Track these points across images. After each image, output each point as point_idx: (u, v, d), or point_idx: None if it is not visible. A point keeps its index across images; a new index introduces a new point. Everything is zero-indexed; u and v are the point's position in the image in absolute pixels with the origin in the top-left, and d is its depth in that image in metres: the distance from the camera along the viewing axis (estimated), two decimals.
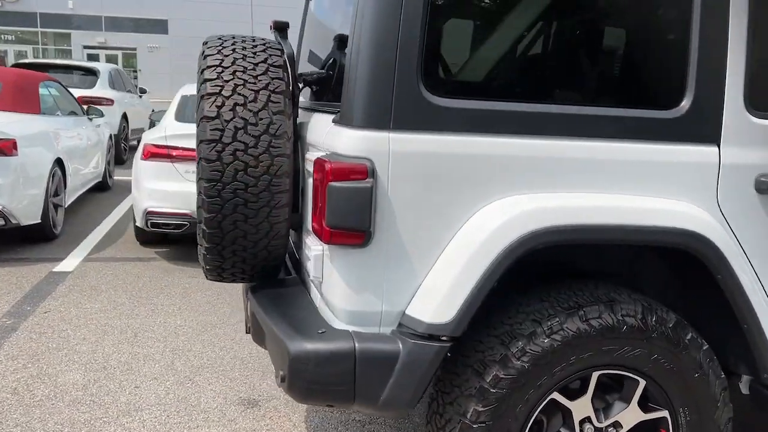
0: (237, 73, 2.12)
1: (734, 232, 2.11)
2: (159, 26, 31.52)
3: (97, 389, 3.23)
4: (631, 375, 2.05)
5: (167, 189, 5.23)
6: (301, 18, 3.30)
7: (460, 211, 1.95)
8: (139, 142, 5.81)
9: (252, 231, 2.14)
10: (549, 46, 2.19)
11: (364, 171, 1.86)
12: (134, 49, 31.82)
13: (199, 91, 2.15)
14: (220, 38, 2.28)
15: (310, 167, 2.20)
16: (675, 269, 2.35)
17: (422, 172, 1.91)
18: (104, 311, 4.30)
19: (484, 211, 1.95)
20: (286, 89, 2.17)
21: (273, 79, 2.15)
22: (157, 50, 31.41)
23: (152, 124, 7.41)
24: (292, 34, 2.68)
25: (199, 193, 2.15)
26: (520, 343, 1.94)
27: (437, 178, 1.92)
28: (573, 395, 2.06)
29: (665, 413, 2.09)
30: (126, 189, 7.98)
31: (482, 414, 1.94)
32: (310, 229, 2.11)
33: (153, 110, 10.75)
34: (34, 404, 3.06)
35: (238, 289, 4.84)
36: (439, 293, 1.91)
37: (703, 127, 2.07)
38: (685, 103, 2.05)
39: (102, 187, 8.28)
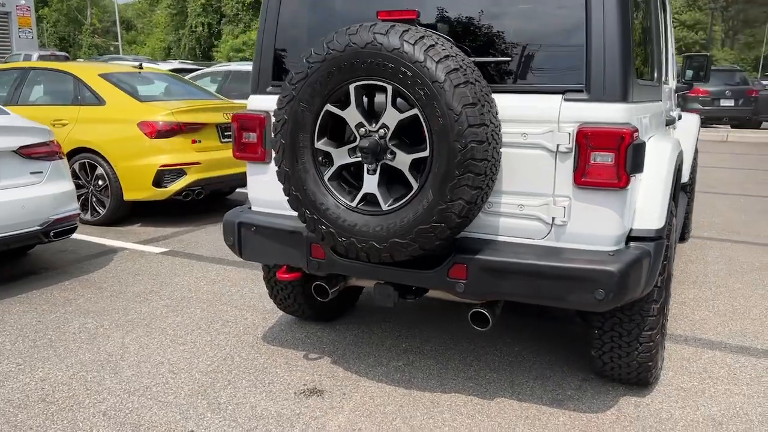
0: (465, 63, 2.55)
1: None
2: None
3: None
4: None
5: None
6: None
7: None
8: None
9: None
10: None
11: (636, 131, 2.61)
12: None
13: (434, 79, 2.46)
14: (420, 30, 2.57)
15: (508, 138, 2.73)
16: None
17: (643, 128, 2.83)
18: None
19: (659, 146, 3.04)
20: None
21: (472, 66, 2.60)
22: None
23: None
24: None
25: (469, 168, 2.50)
26: None
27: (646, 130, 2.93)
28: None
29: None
30: None
31: None
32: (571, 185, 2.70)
33: None
34: None
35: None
36: (655, 209, 2.84)
37: None
38: None
39: None
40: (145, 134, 6.27)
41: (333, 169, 2.81)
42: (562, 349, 3.67)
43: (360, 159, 2.72)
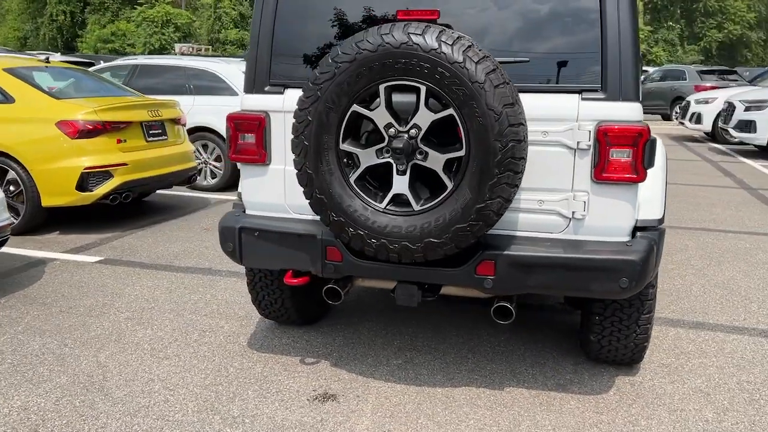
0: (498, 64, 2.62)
1: None
2: None
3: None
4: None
5: None
6: None
7: None
8: None
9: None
10: None
11: (649, 128, 2.77)
12: None
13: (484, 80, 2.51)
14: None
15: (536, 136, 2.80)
16: None
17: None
18: None
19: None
20: None
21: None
22: None
23: None
24: None
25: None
26: None
27: None
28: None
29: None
30: None
31: None
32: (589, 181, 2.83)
33: None
34: None
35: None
36: (657, 201, 3.06)
37: None
38: None
39: None
40: (66, 134, 5.80)
41: (359, 170, 2.77)
42: (547, 337, 3.84)
43: (388, 160, 2.71)
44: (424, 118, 2.63)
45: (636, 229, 2.94)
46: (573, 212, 2.84)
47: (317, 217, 3.06)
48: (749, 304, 4.47)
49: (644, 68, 5.35)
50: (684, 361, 3.57)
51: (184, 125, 7.15)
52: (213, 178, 8.24)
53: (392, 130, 2.67)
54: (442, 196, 2.66)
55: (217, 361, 3.50)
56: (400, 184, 2.72)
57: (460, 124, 2.58)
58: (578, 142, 2.77)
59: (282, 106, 3.11)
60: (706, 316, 4.23)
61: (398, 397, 3.15)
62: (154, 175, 6.39)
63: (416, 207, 2.70)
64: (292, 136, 2.79)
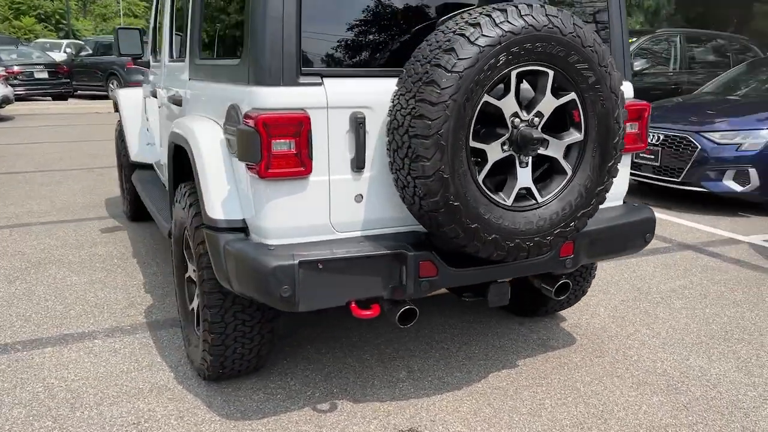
0: None
1: None
2: None
3: None
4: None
5: None
6: None
7: None
8: None
9: None
10: None
11: None
12: None
13: None
14: None
15: None
16: None
17: None
18: None
19: None
20: None
21: None
22: None
23: None
24: None
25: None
26: None
27: None
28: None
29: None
30: None
31: None
32: None
33: None
34: None
35: None
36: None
37: None
38: None
39: None
40: None
41: (487, 168, 2.46)
42: (481, 324, 4.00)
43: (510, 152, 2.49)
44: (548, 104, 2.50)
45: None
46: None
47: (384, 231, 2.62)
48: None
49: None
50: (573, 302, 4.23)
51: None
52: None
53: (517, 119, 2.46)
54: (563, 184, 2.60)
55: None
56: (525, 177, 2.53)
57: (580, 108, 2.55)
58: None
59: (325, 102, 2.47)
60: None
61: (466, 407, 2.95)
62: None
63: (541, 199, 2.57)
64: (418, 136, 2.28)
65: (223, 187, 2.65)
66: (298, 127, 2.41)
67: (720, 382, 3.18)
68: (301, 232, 2.54)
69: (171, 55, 4.08)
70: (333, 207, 2.56)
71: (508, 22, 2.31)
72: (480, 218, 2.42)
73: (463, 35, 2.28)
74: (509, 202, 2.51)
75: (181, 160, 3.24)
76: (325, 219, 2.56)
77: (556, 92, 2.52)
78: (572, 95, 2.52)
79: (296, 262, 2.40)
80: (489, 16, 2.31)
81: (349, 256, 2.49)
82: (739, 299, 4.26)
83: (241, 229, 2.62)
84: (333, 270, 2.47)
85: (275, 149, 2.40)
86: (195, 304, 3.21)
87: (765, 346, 3.58)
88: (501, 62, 2.32)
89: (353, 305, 2.58)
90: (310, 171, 2.47)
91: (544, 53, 2.39)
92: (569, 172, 2.61)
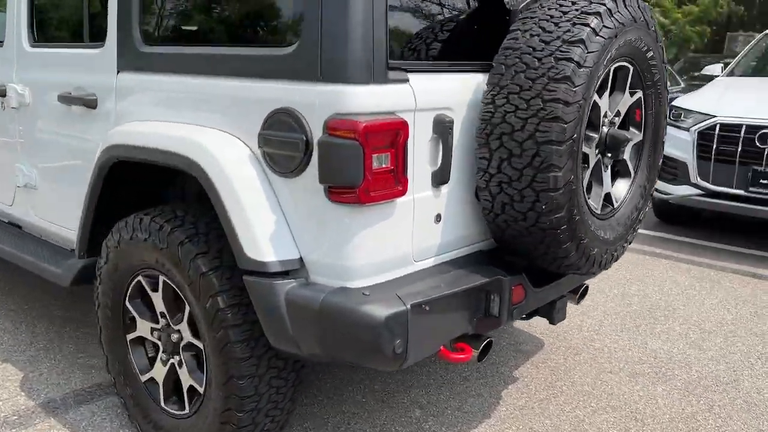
0: None
1: None
2: None
3: None
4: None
5: None
6: None
7: None
8: None
9: None
10: None
11: None
12: None
13: None
14: None
15: None
16: None
17: None
18: None
19: None
20: None
21: None
22: None
23: None
24: None
25: None
26: None
27: None
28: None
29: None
30: None
31: None
32: None
33: None
34: None
35: None
36: None
37: None
38: None
39: None
40: None
41: (588, 173, 2.20)
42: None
43: (598, 156, 2.28)
44: (625, 103, 2.34)
45: None
46: None
47: (455, 254, 2.25)
48: None
49: None
50: None
51: None
52: None
53: (606, 119, 2.26)
54: (629, 187, 2.46)
55: None
56: (607, 181, 2.34)
57: (643, 107, 2.43)
58: None
59: (413, 103, 1.98)
60: None
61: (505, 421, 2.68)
62: None
63: (617, 203, 2.40)
64: (550, 142, 1.93)
65: (268, 217, 1.99)
66: (395, 136, 1.89)
67: (691, 362, 3.39)
68: (383, 268, 2.01)
69: (41, 38, 2.99)
70: (415, 232, 2.08)
71: (620, 12, 2.08)
72: (588, 231, 2.17)
73: (587, 25, 1.99)
74: (599, 209, 2.30)
75: (117, 180, 2.42)
76: (407, 248, 2.07)
77: (631, 91, 2.37)
78: (640, 93, 2.39)
79: (408, 307, 1.89)
80: (603, 4, 2.05)
81: (451, 292, 2.04)
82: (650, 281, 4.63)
83: (287, 271, 1.99)
84: (435, 311, 2.00)
85: (375, 167, 1.85)
86: (161, 372, 2.42)
87: (701, 324, 3.92)
88: (610, 56, 2.09)
89: (443, 349, 2.14)
90: (406, 191, 1.96)
91: (633, 48, 2.21)
92: (632, 174, 2.48)
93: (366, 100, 1.84)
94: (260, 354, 2.12)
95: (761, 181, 4.98)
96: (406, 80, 1.95)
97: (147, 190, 2.67)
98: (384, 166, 1.87)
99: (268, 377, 2.16)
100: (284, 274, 1.97)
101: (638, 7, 2.19)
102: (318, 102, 1.86)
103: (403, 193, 1.95)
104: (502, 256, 2.33)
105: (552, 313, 2.57)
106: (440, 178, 2.10)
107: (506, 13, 2.23)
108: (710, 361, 3.39)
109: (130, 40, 2.42)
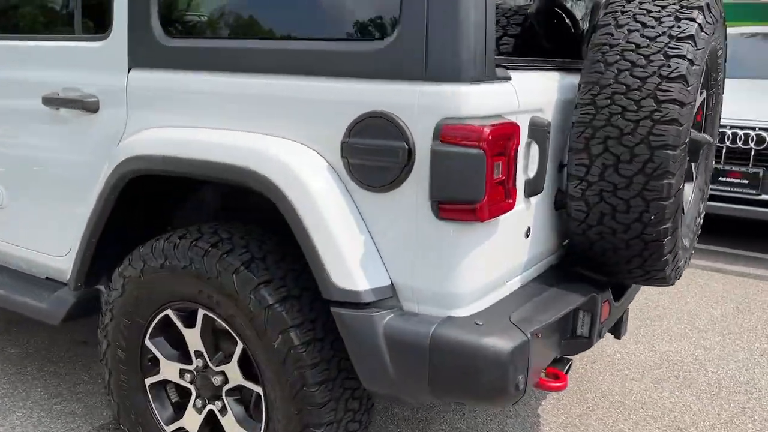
0: None
1: None
2: None
3: None
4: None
5: None
6: None
7: None
8: None
9: None
10: None
11: None
12: None
13: None
14: None
15: None
16: None
17: None
18: None
19: None
20: None
21: None
22: None
23: None
24: None
25: None
26: None
27: None
28: None
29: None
30: None
31: None
32: None
33: None
34: None
35: None
36: None
37: None
38: None
39: None
40: None
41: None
42: None
43: None
44: (697, 104, 2.23)
45: None
46: None
47: (531, 272, 2.06)
48: None
49: None
50: None
51: None
52: None
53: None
54: (693, 189, 2.35)
55: None
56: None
57: (705, 110, 2.34)
58: None
59: (516, 104, 1.76)
60: None
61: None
62: None
63: (685, 207, 2.29)
64: (667, 147, 1.77)
65: (356, 239, 1.70)
66: (507, 141, 1.66)
67: (684, 360, 3.38)
68: (484, 291, 1.78)
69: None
70: (510, 249, 1.87)
71: (717, 6, 1.97)
72: (680, 240, 2.04)
73: (693, 20, 1.84)
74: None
75: (132, 199, 2.05)
76: (502, 268, 1.85)
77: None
78: (704, 94, 2.29)
79: (529, 336, 1.67)
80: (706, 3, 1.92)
81: (562, 315, 1.84)
82: None
83: (378, 300, 1.72)
84: (544, 337, 1.80)
85: (495, 177, 1.61)
86: (195, 421, 2.07)
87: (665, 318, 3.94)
88: (708, 54, 1.97)
89: (541, 379, 1.93)
90: (514, 204, 1.74)
91: (712, 45, 2.10)
92: (695, 176, 2.38)
93: (481, 101, 1.60)
94: (338, 396, 1.83)
95: (719, 178, 5.13)
96: (509, 78, 1.73)
97: (153, 208, 2.30)
98: (497, 176, 1.64)
99: (345, 422, 1.87)
100: (376, 303, 1.69)
101: (718, 1, 2.08)
102: (421, 104, 1.60)
103: (512, 206, 1.72)
104: (573, 270, 2.16)
105: (620, 326, 2.42)
106: (534, 187, 1.89)
107: (582, 9, 2.06)
108: (720, 360, 3.39)
109: (147, 30, 2.03)
